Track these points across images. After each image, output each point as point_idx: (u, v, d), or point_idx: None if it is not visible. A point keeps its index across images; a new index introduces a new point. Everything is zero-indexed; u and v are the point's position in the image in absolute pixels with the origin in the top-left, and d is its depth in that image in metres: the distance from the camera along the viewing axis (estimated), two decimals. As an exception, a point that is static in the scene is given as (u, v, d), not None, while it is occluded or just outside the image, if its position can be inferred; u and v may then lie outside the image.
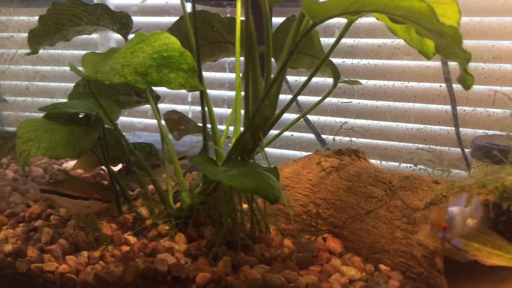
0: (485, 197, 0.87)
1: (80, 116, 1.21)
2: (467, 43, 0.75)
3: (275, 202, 0.86)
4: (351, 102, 1.56)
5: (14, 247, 1.13)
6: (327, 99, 1.56)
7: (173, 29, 1.24)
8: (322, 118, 1.62)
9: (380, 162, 1.39)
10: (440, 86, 1.46)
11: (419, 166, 1.25)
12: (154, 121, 1.85)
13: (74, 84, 1.32)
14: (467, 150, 1.46)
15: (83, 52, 1.09)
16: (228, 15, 1.32)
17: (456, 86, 1.45)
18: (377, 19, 1.08)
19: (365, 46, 1.53)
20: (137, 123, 1.93)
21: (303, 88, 1.06)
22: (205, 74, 1.27)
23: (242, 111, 1.10)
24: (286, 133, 1.62)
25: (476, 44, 1.35)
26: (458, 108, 1.46)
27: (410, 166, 1.30)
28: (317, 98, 1.14)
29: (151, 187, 1.33)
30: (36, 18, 1.20)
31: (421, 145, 1.22)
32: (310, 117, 1.61)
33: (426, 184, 1.01)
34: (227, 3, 1.51)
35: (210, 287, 0.95)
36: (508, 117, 1.42)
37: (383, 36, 1.48)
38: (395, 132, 1.53)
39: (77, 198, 1.13)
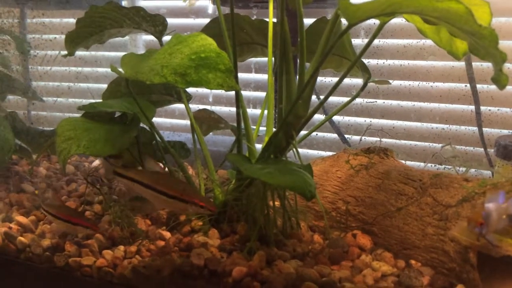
0: (518, 194, 0.89)
1: (116, 115, 1.25)
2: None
3: (311, 198, 0.89)
4: (375, 102, 1.58)
5: (52, 242, 1.16)
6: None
7: (205, 31, 1.27)
8: (346, 118, 1.64)
9: (405, 161, 1.41)
10: (466, 86, 1.47)
11: (444, 166, 1.28)
12: (181, 121, 1.90)
13: (107, 84, 1.36)
14: (491, 151, 1.47)
15: (113, 53, 1.13)
16: (255, 17, 1.35)
17: (481, 86, 1.46)
18: (407, 20, 1.11)
19: (390, 47, 1.55)
20: (165, 123, 1.97)
21: (335, 88, 1.09)
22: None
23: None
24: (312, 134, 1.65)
25: (501, 44, 1.36)
26: (484, 108, 1.47)
27: (435, 166, 1.32)
28: (341, 98, 1.16)
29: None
30: (67, 20, 1.24)
31: (446, 145, 1.24)
32: (335, 117, 1.63)
33: (457, 182, 1.03)
34: (253, 5, 1.54)
35: (246, 281, 0.97)
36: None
37: (408, 36, 1.50)
38: (420, 132, 1.55)
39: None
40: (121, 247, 1.13)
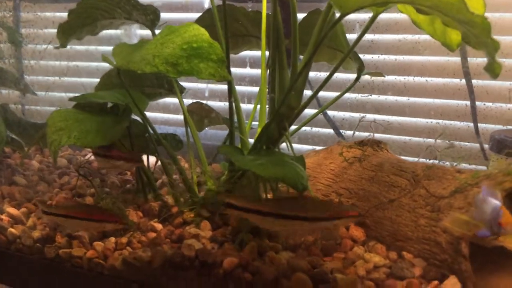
0: (510, 185, 0.88)
1: (108, 106, 1.24)
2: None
3: (303, 190, 0.88)
4: (370, 96, 1.58)
5: (42, 234, 1.16)
6: (347, 94, 1.58)
7: (198, 22, 1.26)
8: (341, 113, 1.64)
9: (400, 154, 1.41)
10: (461, 80, 1.47)
11: (438, 161, 1.27)
12: (174, 116, 1.89)
13: (101, 77, 1.35)
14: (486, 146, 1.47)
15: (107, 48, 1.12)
16: (250, 9, 1.34)
17: (476, 82, 1.46)
18: (401, 11, 1.10)
19: (385, 41, 1.54)
20: (159, 118, 1.96)
21: (328, 79, 1.08)
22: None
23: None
24: (305, 128, 1.65)
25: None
26: (479, 103, 1.47)
27: (430, 160, 1.31)
28: (335, 94, 1.16)
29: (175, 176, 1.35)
30: (59, 14, 1.24)
31: (439, 136, 1.23)
32: (329, 112, 1.63)
33: (450, 173, 1.03)
34: (248, -2, 1.54)
35: (237, 272, 0.97)
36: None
37: (403, 31, 1.50)
38: (415, 126, 1.55)
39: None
40: (112, 239, 1.12)
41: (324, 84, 1.08)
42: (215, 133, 1.74)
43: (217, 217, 1.13)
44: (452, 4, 0.79)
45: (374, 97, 1.58)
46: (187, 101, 1.39)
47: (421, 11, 0.92)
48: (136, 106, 1.13)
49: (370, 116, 1.50)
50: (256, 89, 1.75)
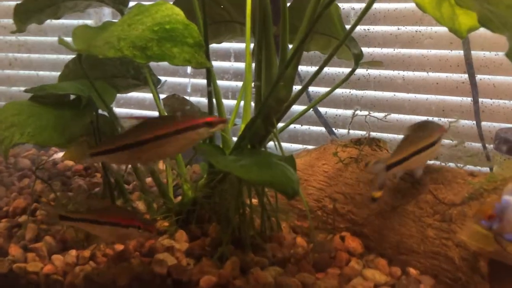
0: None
1: (71, 99, 1.09)
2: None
3: (294, 196, 0.76)
4: (365, 90, 1.45)
5: (-6, 245, 1.02)
6: (340, 89, 1.45)
7: (177, 3, 1.12)
8: (333, 110, 1.51)
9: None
10: (461, 76, 1.35)
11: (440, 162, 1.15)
12: (153, 112, 1.74)
13: (64, 66, 1.20)
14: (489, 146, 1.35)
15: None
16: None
17: (482, 76, 1.34)
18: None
19: (382, 31, 1.41)
20: (133, 114, 1.81)
21: (322, 69, 0.95)
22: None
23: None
24: (294, 125, 1.51)
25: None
26: (487, 99, 1.35)
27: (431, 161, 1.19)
28: (327, 89, 1.05)
29: (149, 179, 1.22)
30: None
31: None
32: (321, 108, 1.50)
33: (461, 177, 0.91)
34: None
35: (216, 292, 0.83)
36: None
37: (403, 18, 1.37)
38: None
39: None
40: (73, 252, 1.00)
41: (317, 74, 0.95)
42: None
43: (195, 226, 0.99)
44: (473, -25, 0.66)
45: (370, 91, 1.45)
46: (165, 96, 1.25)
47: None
48: (100, 98, 0.99)
49: (365, 113, 1.37)
50: (241, 83, 1.61)
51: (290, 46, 1.00)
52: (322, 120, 1.49)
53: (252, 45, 1.07)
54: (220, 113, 1.02)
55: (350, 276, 0.89)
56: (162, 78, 1.26)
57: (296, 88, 0.96)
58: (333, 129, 1.50)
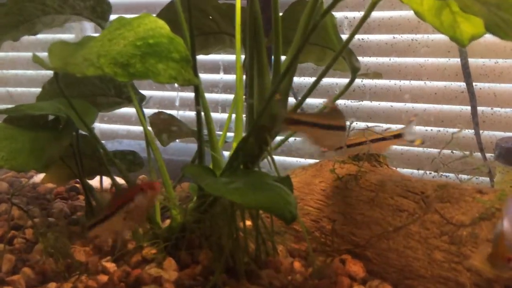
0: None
1: (49, 119, 1.02)
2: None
3: (292, 221, 0.70)
4: (361, 102, 1.40)
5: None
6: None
7: (161, 15, 1.06)
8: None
9: (396, 167, 1.22)
10: (460, 86, 1.31)
11: (441, 173, 1.09)
12: (139, 128, 1.67)
13: (42, 86, 1.13)
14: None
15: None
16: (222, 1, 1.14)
17: (483, 85, 1.29)
18: (401, 1, 0.92)
19: (378, 40, 1.36)
20: (120, 130, 1.74)
21: (319, 81, 0.89)
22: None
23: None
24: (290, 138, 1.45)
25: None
26: (487, 108, 1.30)
27: (430, 173, 1.14)
28: (320, 100, 1.00)
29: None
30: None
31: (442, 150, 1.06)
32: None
33: (468, 194, 0.85)
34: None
35: (209, 329, 0.77)
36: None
37: (398, 26, 1.32)
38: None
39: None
40: (53, 285, 0.92)
41: (314, 87, 0.89)
42: (187, 147, 1.53)
43: (185, 253, 0.92)
44: (480, -21, 0.61)
45: (366, 102, 1.40)
46: (152, 112, 1.18)
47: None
48: (80, 119, 0.92)
49: (362, 125, 1.32)
50: (231, 97, 1.55)
51: (283, 57, 0.94)
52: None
53: (243, 57, 1.02)
54: (209, 131, 0.95)
55: (353, 304, 0.83)
56: (148, 93, 1.20)
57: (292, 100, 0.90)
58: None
